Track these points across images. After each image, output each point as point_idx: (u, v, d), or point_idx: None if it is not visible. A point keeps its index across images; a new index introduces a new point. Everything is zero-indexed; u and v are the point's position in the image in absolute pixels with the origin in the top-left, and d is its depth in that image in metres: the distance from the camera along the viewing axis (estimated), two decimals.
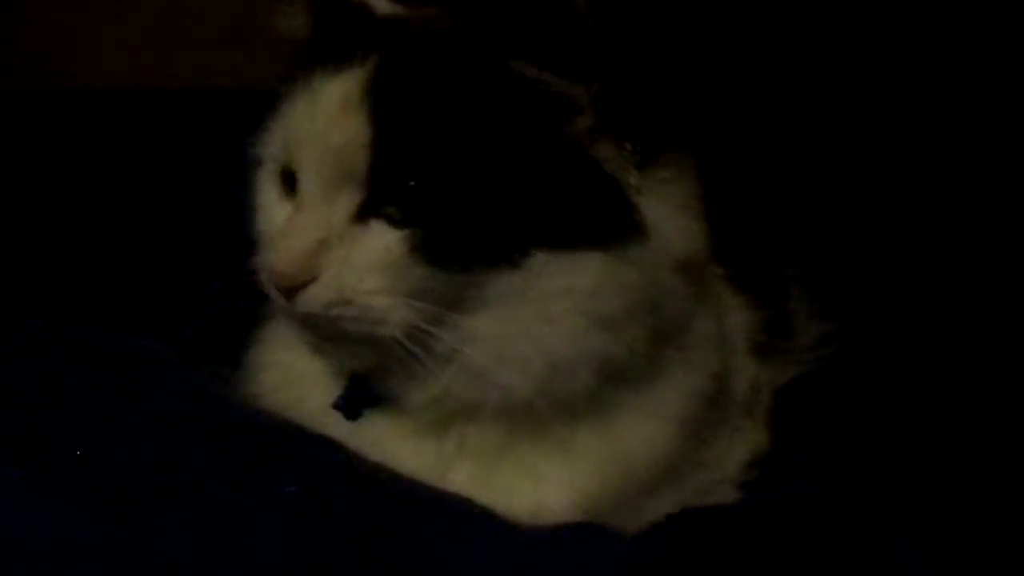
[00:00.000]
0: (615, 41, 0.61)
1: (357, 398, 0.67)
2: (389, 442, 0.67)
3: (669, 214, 0.64)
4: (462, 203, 0.59)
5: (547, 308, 0.60)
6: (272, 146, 0.66)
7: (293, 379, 0.71)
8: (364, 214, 0.61)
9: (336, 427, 0.67)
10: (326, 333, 0.62)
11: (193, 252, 0.94)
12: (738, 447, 0.76)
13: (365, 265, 0.60)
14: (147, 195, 1.05)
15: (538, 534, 0.61)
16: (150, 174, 1.07)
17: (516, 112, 0.60)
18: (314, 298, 0.60)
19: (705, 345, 0.69)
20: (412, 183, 0.59)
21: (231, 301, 0.67)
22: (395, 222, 0.60)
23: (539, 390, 0.61)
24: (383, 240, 0.60)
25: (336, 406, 0.68)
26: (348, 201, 0.60)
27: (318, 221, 0.60)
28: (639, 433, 0.66)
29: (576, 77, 0.60)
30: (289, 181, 0.64)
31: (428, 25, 0.64)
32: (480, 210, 0.59)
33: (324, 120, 0.61)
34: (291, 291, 0.60)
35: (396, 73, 0.61)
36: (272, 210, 0.66)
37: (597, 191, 0.61)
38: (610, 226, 0.61)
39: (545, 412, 0.62)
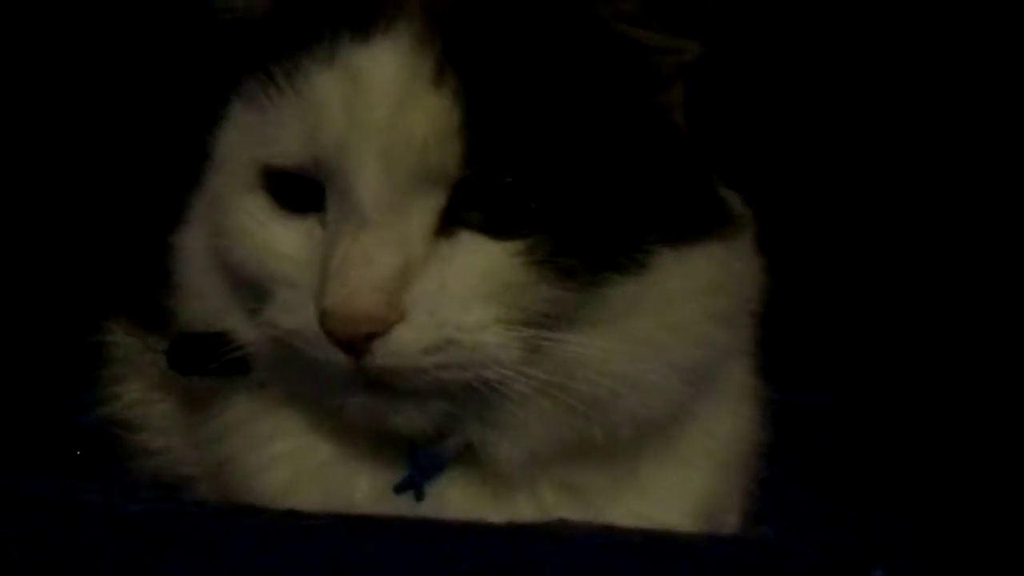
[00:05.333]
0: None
1: (427, 469, 0.55)
2: (467, 508, 0.56)
3: (738, 203, 0.59)
4: (578, 196, 0.50)
5: (670, 314, 0.53)
6: (247, 145, 0.53)
7: (317, 471, 0.57)
8: (448, 224, 0.50)
9: (393, 511, 0.55)
10: (404, 391, 0.50)
11: None
12: None
13: (469, 290, 0.49)
14: None
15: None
16: None
17: (619, 82, 0.51)
18: (405, 345, 0.48)
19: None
20: (510, 178, 0.49)
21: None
22: (487, 229, 0.50)
23: (679, 405, 0.54)
24: (486, 255, 0.49)
25: (403, 487, 0.56)
26: (427, 209, 0.49)
27: (394, 240, 0.48)
28: (734, 419, 0.61)
29: (687, 34, 0.53)
30: (286, 190, 0.51)
31: None
32: (599, 203, 0.50)
33: (388, 104, 0.48)
34: (367, 341, 0.48)
35: (481, 34, 0.49)
36: (266, 233, 0.52)
37: (695, 175, 0.55)
38: (714, 215, 0.55)
39: (669, 425, 0.56)
